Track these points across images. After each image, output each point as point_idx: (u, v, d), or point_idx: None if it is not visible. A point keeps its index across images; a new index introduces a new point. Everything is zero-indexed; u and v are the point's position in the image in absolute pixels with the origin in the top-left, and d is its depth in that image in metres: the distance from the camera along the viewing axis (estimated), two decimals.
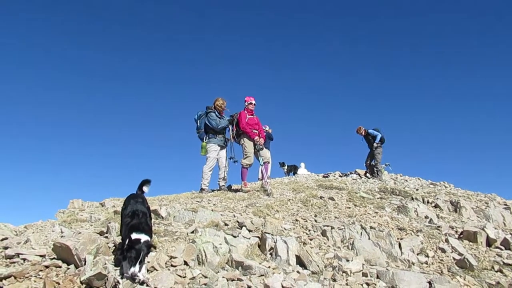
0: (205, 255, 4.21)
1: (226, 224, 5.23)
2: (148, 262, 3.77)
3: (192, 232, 4.81)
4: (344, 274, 4.29)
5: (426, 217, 7.66)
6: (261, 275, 3.95)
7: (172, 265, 3.92)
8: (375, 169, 13.71)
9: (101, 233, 4.72)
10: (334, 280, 4.11)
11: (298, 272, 4.21)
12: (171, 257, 4.04)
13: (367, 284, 4.05)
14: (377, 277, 4.29)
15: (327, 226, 5.56)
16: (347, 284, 4.11)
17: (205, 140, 9.06)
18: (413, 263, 5.00)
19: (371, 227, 5.73)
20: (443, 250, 5.53)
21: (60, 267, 3.70)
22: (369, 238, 5.37)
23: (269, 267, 4.21)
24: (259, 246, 4.74)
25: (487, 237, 6.33)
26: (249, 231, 5.00)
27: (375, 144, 13.68)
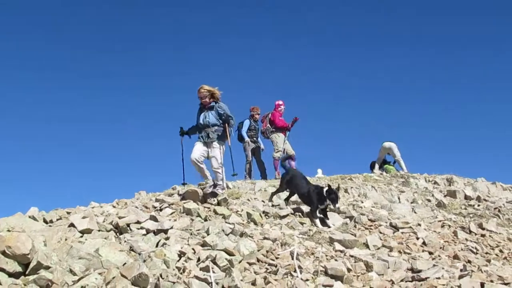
0: (272, 198, 6.90)
1: None
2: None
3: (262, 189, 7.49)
4: (359, 208, 6.87)
5: (425, 188, 10.13)
6: None
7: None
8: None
9: None
10: (354, 209, 6.69)
11: None
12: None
13: (374, 209, 6.63)
14: (381, 208, 6.87)
15: (349, 186, 8.16)
16: (362, 213, 6.68)
17: None
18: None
19: (378, 186, 8.31)
20: (429, 200, 8.06)
21: None
22: (377, 192, 7.95)
23: None
24: None
25: (465, 195, 8.79)
26: None
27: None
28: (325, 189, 6.08)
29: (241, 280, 3.85)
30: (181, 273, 3.99)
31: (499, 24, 38.81)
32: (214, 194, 6.60)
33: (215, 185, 6.70)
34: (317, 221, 6.01)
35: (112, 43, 41.45)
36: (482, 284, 3.91)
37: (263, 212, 6.24)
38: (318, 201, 6.07)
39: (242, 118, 10.38)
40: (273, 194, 7.10)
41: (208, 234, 4.94)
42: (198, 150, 6.69)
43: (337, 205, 5.99)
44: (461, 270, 4.42)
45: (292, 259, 4.44)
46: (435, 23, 41.21)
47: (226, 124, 6.79)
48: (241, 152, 10.22)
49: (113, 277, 3.69)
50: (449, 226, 6.38)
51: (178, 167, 7.18)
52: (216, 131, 6.74)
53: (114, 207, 6.30)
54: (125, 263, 4.01)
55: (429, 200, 8.07)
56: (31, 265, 3.73)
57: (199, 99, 6.91)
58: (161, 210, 6.10)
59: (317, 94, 39.17)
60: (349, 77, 40.83)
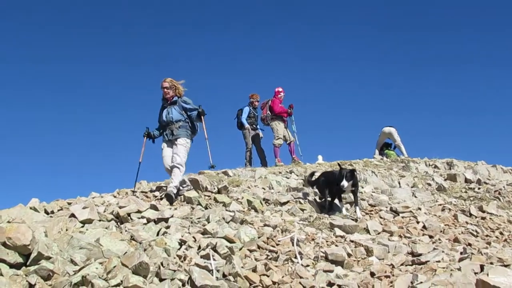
0: (272, 185, 6.88)
1: (280, 172, 7.88)
2: None
3: (262, 177, 7.49)
4: (360, 193, 6.87)
5: (426, 172, 10.11)
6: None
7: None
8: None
9: None
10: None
11: None
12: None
13: (374, 194, 6.63)
14: (382, 193, 6.87)
15: None
16: (362, 198, 6.68)
17: None
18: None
19: (379, 171, 8.29)
20: (429, 184, 8.05)
21: None
22: (377, 177, 7.94)
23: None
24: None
25: (465, 178, 8.77)
26: (297, 175, 7.65)
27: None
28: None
29: (242, 267, 3.86)
30: (182, 261, 4.00)
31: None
32: (168, 197, 5.82)
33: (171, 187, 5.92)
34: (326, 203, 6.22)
35: (119, 39, 41.04)
36: (482, 267, 3.92)
37: (264, 199, 6.25)
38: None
39: (241, 105, 10.38)
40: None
41: (208, 222, 4.95)
42: (167, 156, 6.22)
43: (341, 183, 5.74)
44: (461, 253, 4.43)
45: (293, 245, 4.45)
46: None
47: (202, 117, 6.24)
48: (241, 139, 10.20)
49: (114, 266, 3.70)
50: (450, 209, 6.39)
51: None
52: (180, 127, 6.17)
53: (115, 197, 6.30)
54: (125, 252, 4.02)
55: (429, 184, 8.07)
56: (32, 256, 3.74)
57: (161, 90, 6.27)
58: (161, 199, 6.10)
59: (317, 81, 39.00)
60: (348, 63, 40.60)
